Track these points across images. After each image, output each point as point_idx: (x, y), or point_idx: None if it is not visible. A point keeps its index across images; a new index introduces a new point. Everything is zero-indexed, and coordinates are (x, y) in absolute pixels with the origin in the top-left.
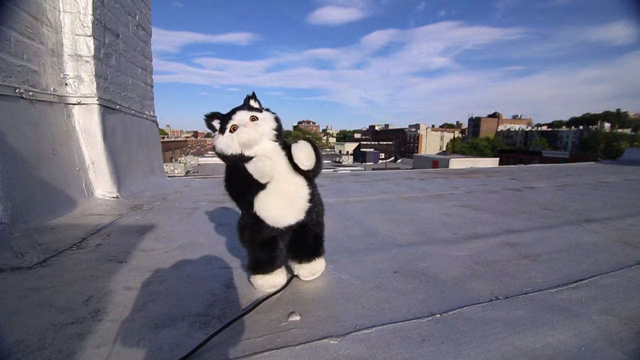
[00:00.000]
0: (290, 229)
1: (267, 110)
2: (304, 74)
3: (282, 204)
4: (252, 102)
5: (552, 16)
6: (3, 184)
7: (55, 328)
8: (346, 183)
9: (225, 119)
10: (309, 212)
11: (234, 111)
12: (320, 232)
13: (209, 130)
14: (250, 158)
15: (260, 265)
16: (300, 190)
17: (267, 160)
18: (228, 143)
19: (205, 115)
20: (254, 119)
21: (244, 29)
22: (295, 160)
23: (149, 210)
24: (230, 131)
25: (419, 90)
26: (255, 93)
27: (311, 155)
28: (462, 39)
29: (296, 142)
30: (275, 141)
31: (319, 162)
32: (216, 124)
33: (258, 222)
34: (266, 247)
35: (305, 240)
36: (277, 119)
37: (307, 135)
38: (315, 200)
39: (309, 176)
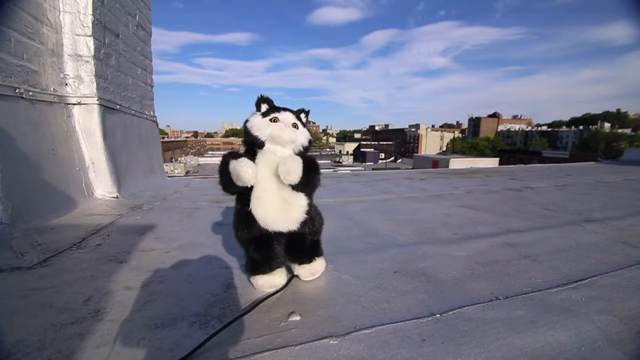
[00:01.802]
0: (281, 235)
1: (308, 131)
2: (304, 74)
3: (278, 209)
4: (302, 116)
5: (552, 16)
6: (3, 184)
7: (55, 328)
8: (346, 183)
9: (273, 109)
10: (303, 224)
11: (285, 109)
12: (318, 239)
13: (209, 130)
14: (253, 155)
15: (257, 265)
16: (298, 200)
17: (247, 168)
18: (261, 126)
19: (261, 95)
20: (295, 126)
21: (244, 29)
22: (279, 173)
23: (149, 210)
24: (271, 120)
25: (419, 90)
26: (309, 111)
27: (294, 172)
28: (461, 39)
29: (292, 156)
30: (297, 154)
31: (309, 178)
32: (264, 107)
33: (251, 219)
34: (261, 247)
35: (302, 244)
36: (310, 141)
37: (310, 140)
38: (311, 213)
39: (300, 190)
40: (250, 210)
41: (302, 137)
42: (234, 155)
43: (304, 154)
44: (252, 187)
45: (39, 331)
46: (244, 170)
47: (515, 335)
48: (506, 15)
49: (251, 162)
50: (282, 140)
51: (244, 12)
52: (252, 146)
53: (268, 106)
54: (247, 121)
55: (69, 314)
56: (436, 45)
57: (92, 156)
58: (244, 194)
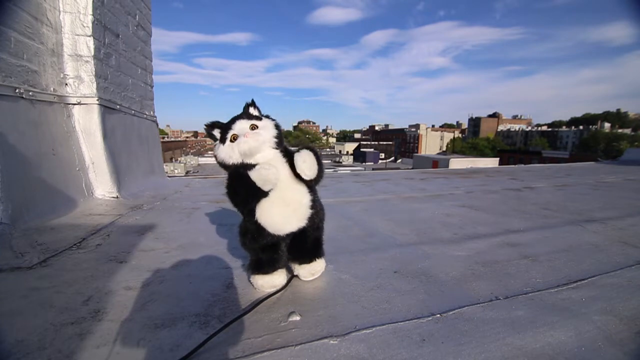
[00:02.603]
0: (291, 235)
1: (267, 117)
2: (304, 74)
3: (284, 212)
4: (252, 110)
5: (552, 16)
6: (3, 184)
7: (55, 328)
8: (346, 183)
9: (225, 128)
10: (310, 219)
11: (233, 120)
12: (320, 235)
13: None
14: (252, 166)
15: (262, 265)
16: (302, 197)
17: (270, 168)
18: (229, 153)
19: (205, 125)
20: (253, 127)
21: (244, 29)
22: (298, 171)
23: (149, 210)
24: (231, 140)
25: (419, 90)
26: (254, 100)
27: (314, 166)
28: (461, 39)
29: (299, 150)
30: (276, 148)
31: (320, 170)
32: (216, 133)
33: (259, 229)
34: (268, 249)
35: (304, 243)
36: (277, 126)
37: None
38: (316, 206)
39: (310, 184)
40: (257, 220)
41: (267, 131)
42: (243, 168)
43: (281, 142)
44: (261, 196)
45: (39, 331)
46: (271, 172)
47: (515, 335)
48: (506, 16)
49: (267, 163)
50: (254, 149)
51: (244, 12)
52: (239, 173)
53: (219, 129)
54: (215, 157)
55: (69, 314)
56: (436, 45)
57: (92, 156)
58: (251, 205)
